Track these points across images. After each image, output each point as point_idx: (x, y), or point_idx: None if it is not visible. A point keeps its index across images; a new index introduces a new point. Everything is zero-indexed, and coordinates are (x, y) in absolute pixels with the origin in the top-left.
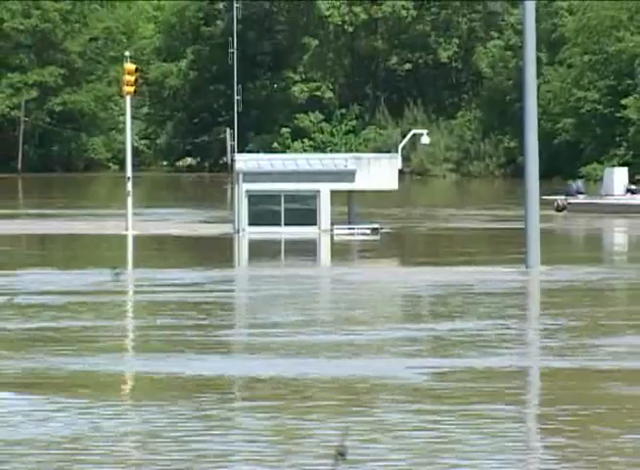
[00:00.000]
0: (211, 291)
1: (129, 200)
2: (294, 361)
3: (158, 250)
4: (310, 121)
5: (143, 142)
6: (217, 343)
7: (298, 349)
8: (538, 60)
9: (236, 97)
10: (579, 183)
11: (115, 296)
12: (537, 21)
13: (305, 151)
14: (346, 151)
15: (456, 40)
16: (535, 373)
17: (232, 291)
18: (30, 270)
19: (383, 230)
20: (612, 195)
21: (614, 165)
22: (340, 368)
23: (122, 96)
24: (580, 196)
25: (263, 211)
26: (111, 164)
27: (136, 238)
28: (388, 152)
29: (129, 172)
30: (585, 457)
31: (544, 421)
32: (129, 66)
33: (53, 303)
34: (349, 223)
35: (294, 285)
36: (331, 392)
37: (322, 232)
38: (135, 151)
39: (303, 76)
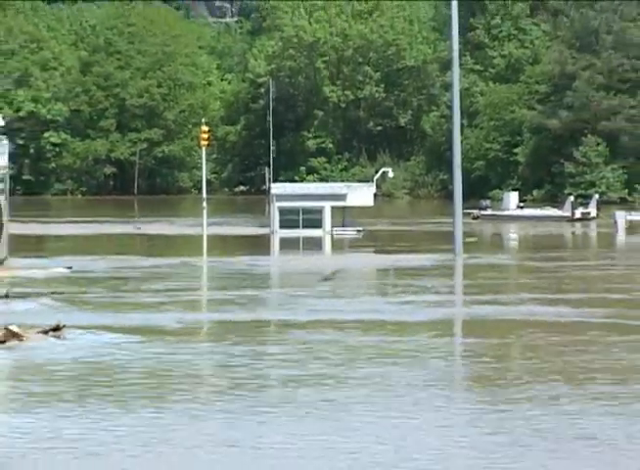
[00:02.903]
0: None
1: (204, 212)
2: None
3: (220, 243)
4: (318, 163)
5: (213, 175)
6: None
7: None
8: (461, 124)
9: (271, 148)
10: (487, 202)
11: (194, 269)
12: (460, 99)
13: (315, 181)
14: (341, 181)
15: (410, 112)
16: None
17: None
18: (147, 257)
19: (364, 231)
20: (508, 209)
21: (509, 191)
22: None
23: (200, 147)
24: (488, 210)
25: (288, 219)
26: (192, 190)
27: (209, 236)
28: (367, 182)
29: (204, 195)
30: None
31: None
32: (204, 128)
33: (161, 274)
34: (343, 226)
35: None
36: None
37: (325, 233)
38: (208, 181)
39: (314, 134)
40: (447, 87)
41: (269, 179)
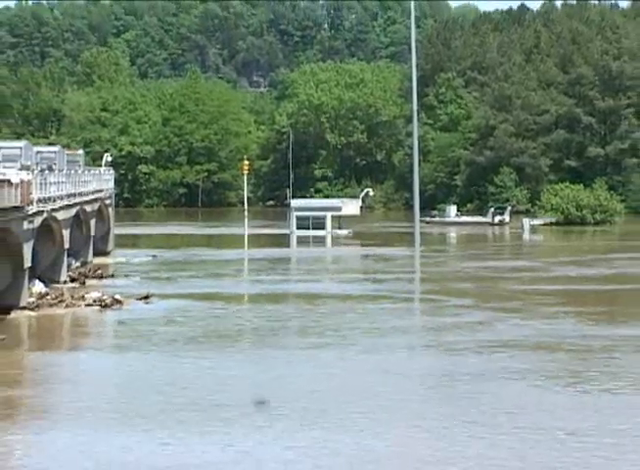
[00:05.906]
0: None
1: (245, 219)
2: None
3: (256, 239)
4: (322, 186)
5: (251, 194)
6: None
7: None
8: (419, 160)
9: (290, 175)
10: (436, 212)
11: (239, 256)
12: (418, 143)
13: (320, 198)
14: (338, 198)
15: (384, 151)
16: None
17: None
18: (202, 248)
19: (352, 231)
20: (450, 217)
21: (450, 204)
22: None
23: (243, 174)
24: (436, 217)
25: (302, 223)
26: (238, 204)
27: (249, 235)
28: (355, 198)
29: (245, 207)
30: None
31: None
32: (246, 162)
33: (212, 261)
34: (339, 228)
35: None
36: None
37: (327, 233)
38: (248, 198)
39: (319, 167)
40: (409, 134)
41: (289, 197)
